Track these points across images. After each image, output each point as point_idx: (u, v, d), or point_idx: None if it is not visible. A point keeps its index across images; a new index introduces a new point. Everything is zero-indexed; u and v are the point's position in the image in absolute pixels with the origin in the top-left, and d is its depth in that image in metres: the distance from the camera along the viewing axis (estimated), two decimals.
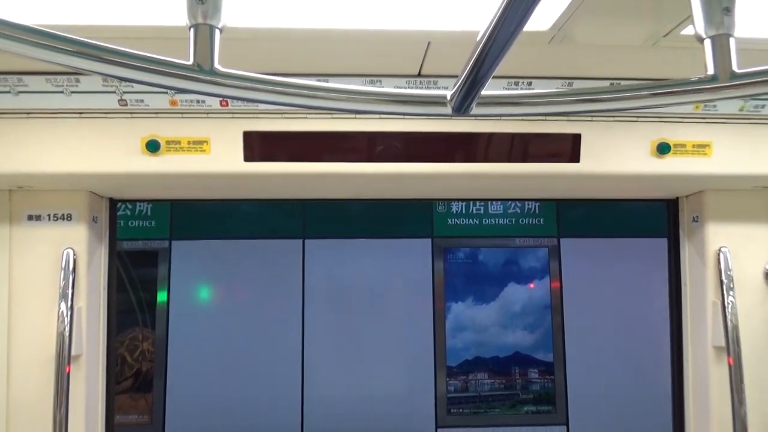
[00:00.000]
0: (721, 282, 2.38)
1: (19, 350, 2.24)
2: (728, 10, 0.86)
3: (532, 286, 4.34)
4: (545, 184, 2.44)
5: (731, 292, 2.35)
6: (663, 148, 2.19)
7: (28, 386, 2.23)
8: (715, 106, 2.17)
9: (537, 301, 4.27)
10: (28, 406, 2.22)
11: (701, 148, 2.22)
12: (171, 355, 3.88)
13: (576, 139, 2.19)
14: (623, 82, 2.04)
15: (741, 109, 2.19)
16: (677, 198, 2.72)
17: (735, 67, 0.86)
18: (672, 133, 2.20)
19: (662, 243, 2.76)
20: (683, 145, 2.21)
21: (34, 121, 2.06)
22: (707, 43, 0.87)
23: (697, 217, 2.57)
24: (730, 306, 2.33)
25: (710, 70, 0.87)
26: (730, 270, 2.39)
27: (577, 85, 2.05)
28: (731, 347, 2.29)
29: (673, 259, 2.73)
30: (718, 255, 2.43)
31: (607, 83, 2.05)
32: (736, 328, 2.30)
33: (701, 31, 0.88)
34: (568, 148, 2.20)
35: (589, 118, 2.18)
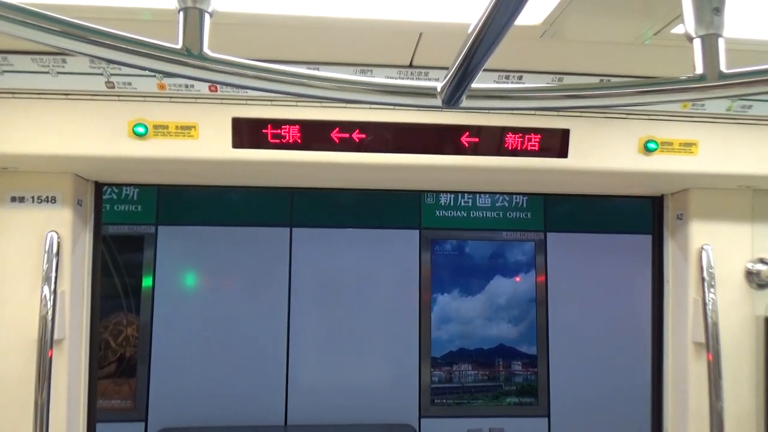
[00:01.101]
0: (703, 279, 2.42)
1: (1, 334, 2.22)
2: (718, 11, 0.87)
3: (517, 279, 4.37)
4: (533, 179, 2.45)
5: (712, 290, 2.39)
6: (650, 146, 2.21)
7: (9, 370, 2.21)
8: (702, 105, 2.19)
9: (522, 294, 4.31)
10: (10, 390, 2.20)
11: (688, 147, 2.24)
12: (155, 341, 3.86)
13: (564, 134, 2.20)
14: (613, 79, 2.05)
15: (728, 109, 2.21)
16: (662, 195, 2.75)
17: (723, 67, 0.87)
18: (659, 131, 2.22)
19: (648, 239, 2.79)
20: (670, 143, 2.23)
21: (18, 102, 2.03)
22: (696, 42, 0.88)
23: (681, 214, 2.60)
24: (710, 303, 2.36)
25: (699, 70, 0.88)
26: (711, 268, 2.43)
27: (567, 80, 2.06)
28: (710, 343, 2.33)
29: (656, 255, 2.77)
30: (701, 252, 2.46)
31: (597, 80, 2.06)
32: (715, 324, 2.34)
33: (691, 31, 0.88)
34: (556, 143, 2.21)
35: (578, 114, 2.19)
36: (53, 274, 2.19)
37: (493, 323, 4.11)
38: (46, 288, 2.17)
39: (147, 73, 1.96)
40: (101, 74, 2.00)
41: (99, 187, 2.57)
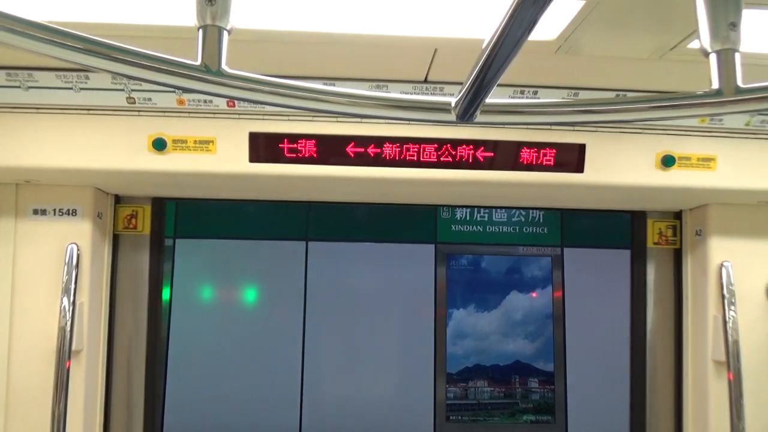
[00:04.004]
0: (723, 296, 2.37)
1: (20, 344, 2.25)
2: (734, 26, 0.87)
3: (534, 295, 4.33)
4: (549, 194, 2.44)
5: (732, 307, 2.34)
6: (668, 161, 2.19)
7: (28, 380, 2.23)
8: (721, 120, 2.17)
9: (539, 310, 4.26)
10: (28, 401, 2.22)
11: (706, 162, 2.21)
12: (171, 353, 3.88)
13: (581, 149, 2.19)
14: (629, 94, 2.04)
15: (747, 124, 2.18)
16: (681, 211, 2.72)
17: (740, 82, 0.86)
18: (677, 146, 2.20)
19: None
20: (688, 158, 2.21)
21: (42, 117, 2.08)
22: (713, 57, 0.88)
23: (700, 230, 2.56)
24: (731, 321, 2.32)
25: (715, 85, 0.87)
26: (732, 284, 2.38)
27: (583, 95, 2.05)
28: (731, 362, 2.28)
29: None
30: (721, 269, 2.42)
31: (612, 94, 2.05)
32: (736, 342, 2.30)
33: (707, 46, 0.88)
34: (572, 158, 2.20)
35: (594, 129, 2.18)
36: (72, 286, 2.22)
37: (509, 339, 4.07)
38: (65, 299, 2.20)
39: (167, 89, 1.99)
40: (122, 90, 2.04)
41: (118, 200, 2.61)
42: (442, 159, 2.19)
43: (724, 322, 2.33)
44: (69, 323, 2.18)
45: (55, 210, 2.32)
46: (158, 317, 2.65)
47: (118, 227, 2.62)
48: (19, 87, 2.01)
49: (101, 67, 0.78)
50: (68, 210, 2.33)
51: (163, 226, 2.68)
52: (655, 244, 2.78)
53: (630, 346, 2.74)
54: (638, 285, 2.74)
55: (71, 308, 2.19)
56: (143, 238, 2.69)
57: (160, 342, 2.69)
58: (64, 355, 2.15)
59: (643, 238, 2.75)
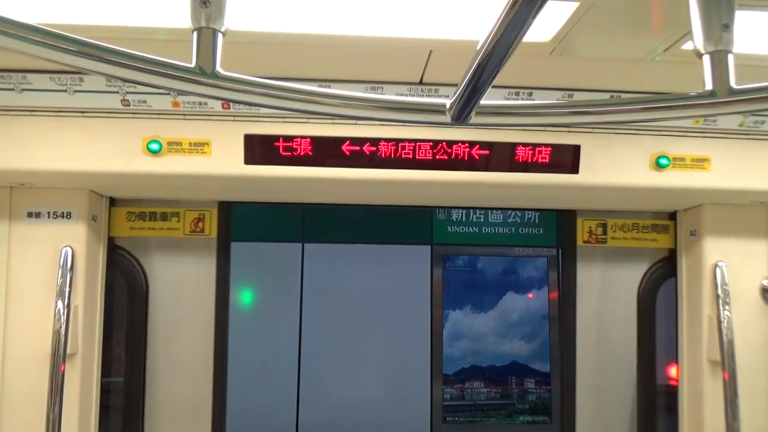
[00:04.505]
0: (717, 296, 2.38)
1: (15, 347, 2.24)
2: (727, 27, 0.87)
3: (530, 295, 4.33)
4: (544, 195, 2.44)
5: (727, 307, 2.35)
6: (662, 162, 2.20)
7: (22, 384, 2.22)
8: (714, 120, 2.18)
9: (535, 310, 4.27)
10: (22, 404, 2.21)
11: (700, 163, 2.22)
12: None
13: (575, 150, 2.20)
14: (623, 95, 2.05)
15: (740, 125, 2.20)
16: (675, 211, 2.73)
17: (733, 83, 0.87)
18: (671, 147, 2.21)
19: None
20: (682, 159, 2.22)
21: (37, 119, 2.07)
22: (706, 58, 0.88)
23: (694, 231, 2.57)
24: (725, 320, 2.33)
25: (708, 86, 0.88)
26: (726, 284, 2.39)
27: (577, 96, 2.06)
28: (726, 362, 2.29)
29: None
30: (715, 269, 2.43)
31: (607, 96, 2.06)
32: (731, 342, 2.31)
33: (700, 47, 0.88)
34: (567, 159, 2.20)
35: (589, 130, 2.19)
36: (67, 289, 2.21)
37: (505, 340, 4.07)
38: (59, 302, 2.19)
39: (162, 90, 1.99)
40: (117, 92, 2.04)
41: (113, 202, 2.60)
42: (437, 161, 2.19)
43: (719, 322, 2.34)
44: (64, 326, 2.17)
45: (49, 213, 2.31)
46: (225, 320, 2.66)
47: (113, 230, 2.62)
48: (12, 89, 2.00)
49: (96, 70, 0.78)
50: (63, 213, 2.32)
51: (230, 230, 2.68)
52: (584, 242, 2.80)
53: (558, 345, 2.78)
54: (568, 283, 2.76)
55: (66, 311, 2.19)
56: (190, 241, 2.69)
57: (226, 345, 2.67)
58: (59, 358, 2.14)
59: (572, 237, 2.77)
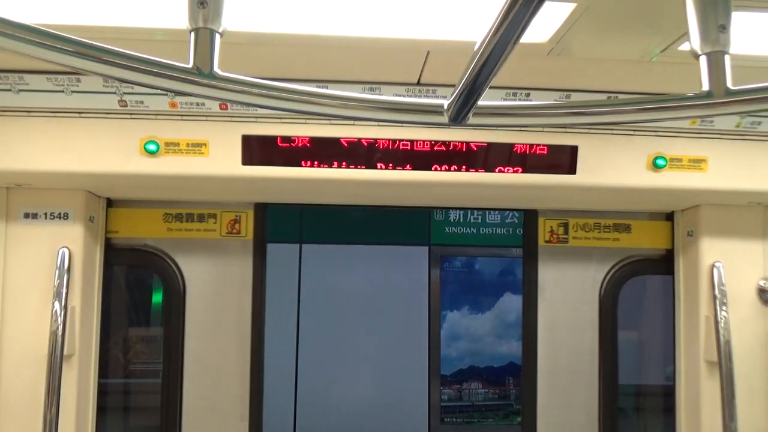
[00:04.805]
0: (714, 297, 2.39)
1: (11, 348, 2.23)
2: (724, 28, 0.88)
3: None
4: (541, 195, 2.45)
5: (724, 307, 2.36)
6: (659, 162, 2.20)
7: (18, 385, 2.22)
8: (711, 121, 2.18)
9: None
10: (19, 405, 2.20)
11: (697, 163, 2.23)
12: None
13: (573, 151, 2.20)
14: (620, 96, 2.06)
15: (737, 126, 2.20)
16: (672, 212, 2.73)
17: (729, 84, 0.87)
18: (668, 148, 2.22)
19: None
20: (679, 160, 2.22)
21: (34, 120, 2.07)
22: (703, 59, 0.88)
23: (691, 231, 2.58)
24: (722, 321, 2.33)
25: (705, 86, 0.88)
26: (723, 285, 2.40)
27: (575, 97, 2.06)
28: (723, 362, 2.30)
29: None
30: (712, 270, 2.44)
31: (604, 96, 2.06)
32: (728, 343, 2.31)
33: (697, 48, 0.89)
34: (565, 160, 2.21)
35: (587, 131, 2.19)
36: (64, 290, 2.21)
37: (503, 341, 4.07)
38: (56, 303, 2.18)
39: (159, 91, 1.99)
40: (114, 93, 2.03)
41: (110, 203, 2.60)
42: (434, 161, 2.19)
43: (716, 323, 2.35)
44: (60, 327, 2.16)
45: (46, 214, 2.31)
46: (261, 321, 2.67)
47: (108, 231, 2.61)
48: (9, 90, 2.00)
49: (93, 70, 0.78)
50: (60, 214, 2.31)
51: (266, 231, 2.69)
52: (546, 242, 2.79)
53: (522, 344, 2.78)
54: (530, 283, 2.75)
55: (63, 312, 2.18)
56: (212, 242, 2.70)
57: (262, 346, 2.68)
58: (56, 359, 2.13)
59: (534, 237, 2.77)
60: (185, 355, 2.64)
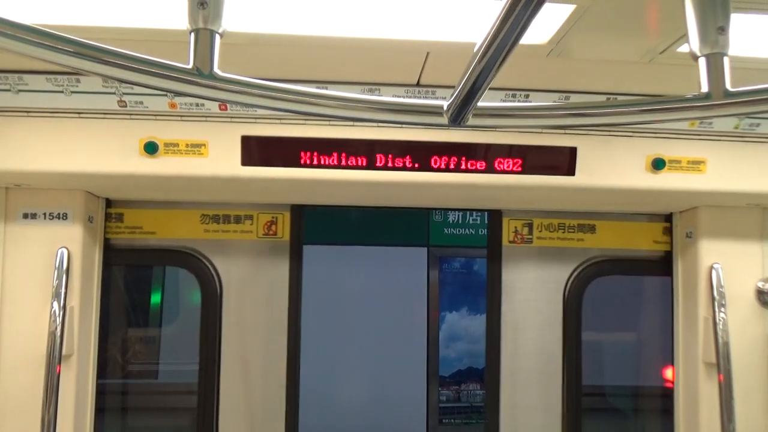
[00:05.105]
0: (713, 298, 2.39)
1: (10, 348, 2.23)
2: (723, 30, 0.88)
3: None
4: (540, 196, 2.45)
5: (723, 309, 2.36)
6: (658, 164, 2.20)
7: (17, 385, 2.21)
8: (710, 123, 2.19)
9: None
10: (17, 405, 2.20)
11: (696, 165, 2.23)
12: (162, 355, 3.88)
13: (572, 152, 2.20)
14: (619, 98, 2.06)
15: (736, 127, 2.20)
16: (671, 213, 2.73)
17: (728, 86, 0.87)
18: (667, 149, 2.22)
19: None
20: (678, 161, 2.22)
21: (33, 120, 2.07)
22: (702, 61, 0.89)
23: (690, 233, 2.58)
24: (721, 322, 2.34)
25: (704, 88, 0.88)
26: (722, 286, 2.40)
27: (574, 99, 2.06)
28: (722, 363, 2.30)
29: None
30: (711, 271, 2.44)
31: (603, 98, 2.07)
32: (726, 344, 2.31)
33: (696, 50, 0.89)
34: (564, 161, 2.21)
35: (586, 132, 2.20)
36: (63, 290, 2.21)
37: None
38: (55, 304, 2.18)
39: (158, 92, 1.99)
40: (114, 93, 2.03)
41: (110, 204, 2.60)
42: (433, 162, 2.19)
43: (715, 324, 2.35)
44: (59, 328, 2.16)
45: (45, 214, 2.30)
46: (297, 322, 2.68)
47: (109, 232, 2.61)
48: (9, 90, 2.00)
49: (93, 71, 0.78)
50: (59, 214, 2.31)
51: (302, 233, 2.69)
52: (510, 242, 2.78)
53: (486, 345, 2.76)
54: (494, 283, 2.75)
55: (61, 312, 2.18)
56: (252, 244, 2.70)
57: (299, 346, 2.68)
58: (54, 359, 2.13)
59: (498, 237, 2.76)
60: (221, 355, 2.64)
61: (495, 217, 2.76)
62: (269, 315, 2.69)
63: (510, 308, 2.76)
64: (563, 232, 2.78)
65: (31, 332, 2.21)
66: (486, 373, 2.74)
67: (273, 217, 2.68)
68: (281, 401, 2.65)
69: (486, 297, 2.77)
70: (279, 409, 2.65)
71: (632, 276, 2.94)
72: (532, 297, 2.78)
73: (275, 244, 2.70)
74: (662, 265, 2.76)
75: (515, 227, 2.78)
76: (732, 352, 2.31)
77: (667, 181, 2.23)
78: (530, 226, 2.78)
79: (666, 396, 2.78)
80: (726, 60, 0.88)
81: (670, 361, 2.73)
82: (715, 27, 0.88)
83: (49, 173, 2.13)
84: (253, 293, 2.68)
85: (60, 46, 0.75)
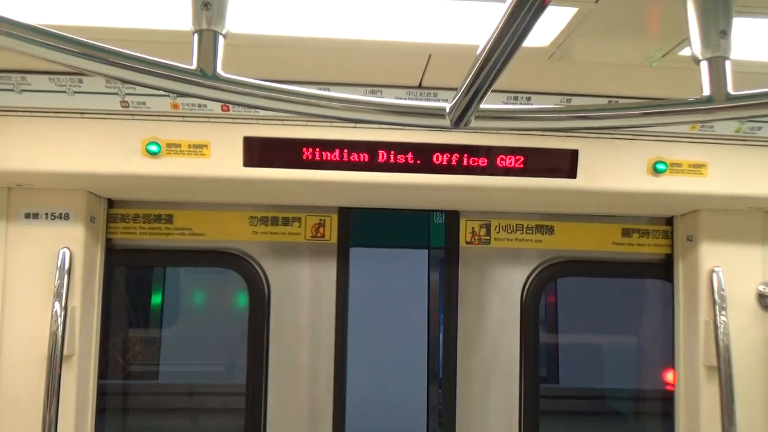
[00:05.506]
0: (714, 302, 2.39)
1: (11, 349, 2.23)
2: (725, 33, 0.88)
3: None
4: (541, 199, 2.45)
5: (724, 312, 2.36)
6: (659, 167, 2.20)
7: (18, 385, 2.21)
8: (711, 126, 2.19)
9: None
10: (18, 406, 2.20)
11: (697, 168, 2.23)
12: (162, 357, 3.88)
13: (573, 155, 2.21)
14: (621, 101, 2.06)
15: (737, 131, 2.21)
16: (672, 217, 2.73)
17: (730, 89, 0.88)
18: (668, 153, 2.22)
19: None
20: (679, 165, 2.23)
21: (35, 120, 2.07)
22: (703, 64, 0.89)
23: (691, 236, 2.58)
24: (722, 326, 2.33)
25: (706, 92, 0.89)
26: (723, 290, 2.40)
27: (576, 101, 2.06)
28: (722, 367, 2.29)
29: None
30: (712, 275, 2.44)
31: (605, 101, 2.07)
32: (727, 347, 2.31)
33: (698, 53, 0.89)
34: (565, 164, 2.21)
35: (587, 135, 2.20)
36: (64, 290, 2.21)
37: None
38: (57, 304, 2.18)
39: (161, 92, 1.99)
40: (116, 94, 2.04)
41: (111, 204, 2.60)
42: (435, 164, 2.19)
43: (716, 328, 2.35)
44: (60, 328, 2.16)
45: (47, 214, 2.31)
46: (344, 324, 2.67)
47: (112, 233, 2.61)
48: (12, 90, 2.00)
49: (96, 71, 0.78)
50: (61, 214, 2.31)
51: (349, 235, 2.69)
52: (467, 243, 2.76)
53: (443, 346, 2.73)
54: (450, 285, 2.72)
55: (63, 313, 2.18)
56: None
57: (345, 349, 2.68)
58: (56, 360, 2.13)
59: (455, 238, 2.74)
60: (269, 357, 2.64)
61: (452, 217, 2.73)
62: (316, 317, 2.69)
63: (466, 309, 2.74)
64: (521, 233, 2.76)
65: (33, 332, 2.21)
66: (443, 375, 2.71)
67: (321, 220, 2.69)
68: (328, 403, 2.65)
69: (442, 299, 2.74)
70: (326, 411, 2.65)
71: (593, 278, 2.94)
72: (489, 298, 2.77)
73: (322, 246, 2.70)
74: (619, 267, 2.76)
75: (472, 228, 2.76)
76: (733, 355, 2.31)
77: (669, 184, 2.23)
78: (488, 227, 2.76)
79: (665, 399, 2.78)
80: (728, 63, 0.88)
81: (670, 364, 2.73)
82: (717, 30, 0.88)
83: (52, 173, 2.13)
84: (300, 295, 2.68)
85: (64, 47, 0.75)
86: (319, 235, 2.69)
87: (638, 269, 2.79)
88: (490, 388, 2.74)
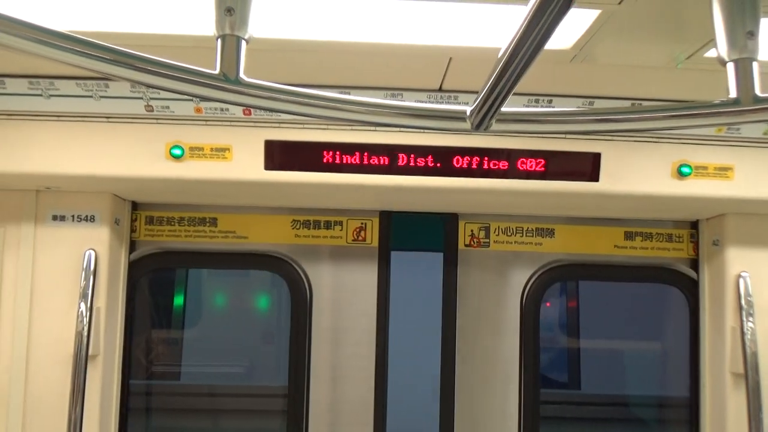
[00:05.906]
0: (741, 307, 2.34)
1: (38, 348, 2.28)
2: (752, 34, 0.86)
3: (547, 304, 4.28)
4: (563, 202, 2.42)
5: (751, 318, 2.31)
6: (684, 170, 2.17)
7: (44, 385, 2.26)
8: (738, 129, 2.15)
9: (552, 320, 4.22)
10: (45, 405, 2.25)
11: (723, 171, 2.19)
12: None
13: (596, 158, 2.18)
14: (644, 103, 2.03)
15: (765, 133, 2.16)
16: (697, 221, 2.68)
17: (758, 91, 0.86)
18: (693, 155, 2.18)
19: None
20: (705, 168, 2.19)
21: (63, 124, 2.12)
22: (730, 66, 0.87)
23: (717, 240, 2.53)
24: (749, 332, 2.29)
25: (732, 94, 0.87)
26: (750, 295, 2.35)
27: (598, 104, 2.04)
28: (750, 374, 2.25)
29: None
30: (738, 280, 2.39)
31: (628, 103, 2.04)
32: (754, 354, 2.26)
33: (724, 55, 0.88)
34: (587, 167, 2.19)
35: (610, 138, 2.17)
36: (90, 291, 2.25)
37: None
38: (82, 304, 2.22)
39: (185, 97, 2.02)
40: (141, 98, 2.07)
41: (136, 206, 2.64)
42: (455, 167, 2.19)
43: (742, 334, 2.30)
44: (86, 328, 2.20)
45: (73, 216, 2.35)
46: (386, 327, 2.68)
47: (138, 234, 2.65)
48: (41, 95, 2.05)
49: (124, 77, 0.80)
50: (86, 216, 2.36)
51: (391, 239, 2.71)
52: (466, 246, 2.72)
53: (441, 350, 2.69)
54: (449, 288, 2.68)
55: (88, 313, 2.22)
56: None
57: (387, 351, 2.69)
58: (81, 359, 2.17)
59: (454, 241, 2.70)
60: (311, 360, 2.66)
61: (450, 220, 2.71)
62: (357, 319, 2.69)
63: (465, 313, 2.71)
64: (521, 236, 2.72)
65: (59, 332, 2.25)
66: (441, 379, 2.68)
67: (362, 223, 2.70)
68: (369, 406, 2.65)
69: (441, 302, 2.71)
70: (367, 414, 2.66)
71: (594, 282, 2.88)
72: (488, 302, 2.74)
73: (363, 249, 2.71)
74: (622, 271, 2.72)
75: (471, 230, 2.73)
76: (760, 362, 2.26)
77: (694, 187, 2.19)
78: (487, 229, 2.73)
79: (690, 407, 2.73)
80: (755, 65, 0.87)
81: (690, 371, 2.68)
82: (744, 31, 0.86)
83: (78, 176, 2.17)
84: (341, 299, 2.69)
85: (93, 53, 0.77)
86: (360, 238, 2.70)
87: (642, 273, 2.73)
88: (490, 393, 2.72)
